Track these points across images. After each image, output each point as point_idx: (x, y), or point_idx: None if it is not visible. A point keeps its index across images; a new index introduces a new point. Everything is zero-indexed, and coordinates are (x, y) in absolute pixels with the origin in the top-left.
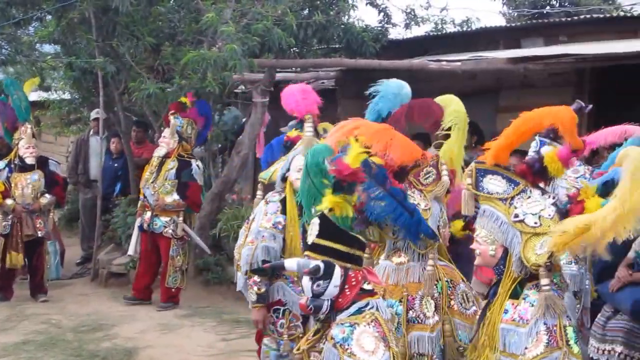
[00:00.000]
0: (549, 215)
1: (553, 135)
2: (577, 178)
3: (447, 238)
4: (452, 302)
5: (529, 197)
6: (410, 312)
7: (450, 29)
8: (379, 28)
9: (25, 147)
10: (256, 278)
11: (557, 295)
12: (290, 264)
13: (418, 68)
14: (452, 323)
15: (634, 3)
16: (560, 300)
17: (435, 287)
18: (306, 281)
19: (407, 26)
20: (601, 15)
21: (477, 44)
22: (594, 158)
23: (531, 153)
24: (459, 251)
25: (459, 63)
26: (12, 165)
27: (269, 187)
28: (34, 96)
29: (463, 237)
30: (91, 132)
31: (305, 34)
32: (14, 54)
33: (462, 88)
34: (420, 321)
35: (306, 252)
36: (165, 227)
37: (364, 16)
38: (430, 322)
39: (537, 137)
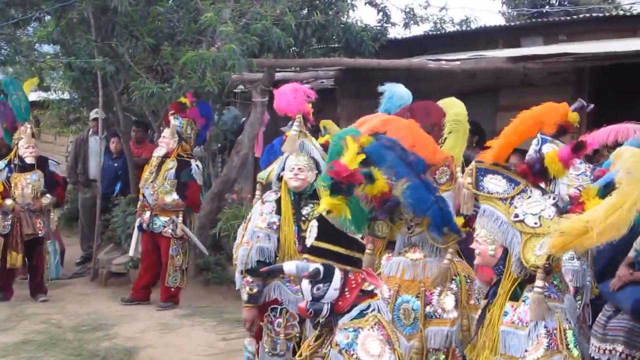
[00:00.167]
0: (549, 215)
1: (556, 133)
2: (578, 175)
3: None
4: (470, 298)
5: (529, 197)
6: (428, 307)
7: (449, 28)
8: (378, 27)
9: (25, 147)
10: (249, 278)
11: (557, 297)
12: (289, 267)
13: (417, 67)
14: (469, 318)
15: (634, 2)
16: (559, 304)
17: (453, 281)
18: (306, 284)
19: (406, 25)
20: (601, 14)
21: (476, 43)
22: (595, 157)
23: (532, 151)
24: (460, 248)
25: (458, 62)
26: (12, 166)
27: (267, 186)
28: (33, 96)
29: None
30: (90, 132)
31: (305, 33)
32: (13, 54)
33: (461, 87)
34: (438, 316)
35: (305, 255)
36: (164, 226)
37: (363, 16)
38: (451, 317)
39: (538, 135)
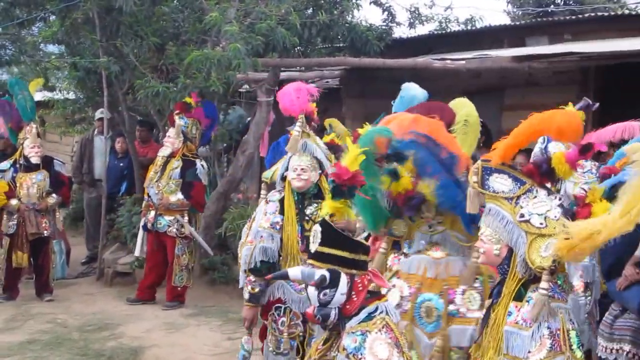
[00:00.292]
0: (555, 216)
1: None
2: (584, 173)
3: None
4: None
5: (535, 197)
6: (451, 305)
7: (454, 27)
8: (383, 27)
9: (30, 147)
10: (252, 277)
11: (561, 297)
12: (295, 273)
13: (422, 67)
14: None
15: (639, 1)
16: (563, 304)
17: (477, 280)
18: (312, 290)
19: (411, 25)
20: (606, 14)
21: (481, 42)
22: (600, 156)
23: (537, 149)
24: None
25: (463, 62)
26: (17, 165)
27: (272, 186)
28: (38, 96)
29: None
30: (95, 132)
31: (310, 33)
32: (18, 54)
33: (466, 87)
34: (461, 315)
35: (310, 261)
36: (169, 226)
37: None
38: (476, 316)
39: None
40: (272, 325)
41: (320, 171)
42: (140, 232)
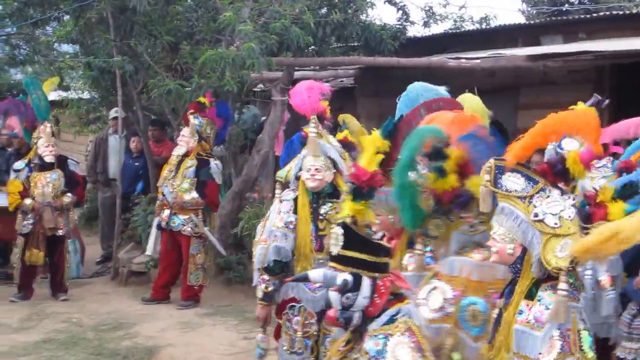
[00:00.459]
0: (569, 216)
1: None
2: (599, 168)
3: None
4: None
5: (548, 196)
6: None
7: (468, 26)
8: (398, 26)
9: (44, 146)
10: (265, 276)
11: (573, 296)
12: (316, 276)
13: (437, 66)
14: None
15: None
16: (575, 303)
17: None
18: (334, 295)
19: (425, 24)
20: (620, 12)
21: (495, 41)
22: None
23: (551, 146)
24: None
25: (478, 61)
26: (32, 165)
27: (286, 185)
28: (53, 95)
29: None
30: (110, 131)
31: (324, 32)
32: (32, 54)
33: (480, 86)
34: None
35: (331, 264)
36: (183, 225)
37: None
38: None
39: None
40: (286, 325)
41: (334, 170)
42: (154, 231)
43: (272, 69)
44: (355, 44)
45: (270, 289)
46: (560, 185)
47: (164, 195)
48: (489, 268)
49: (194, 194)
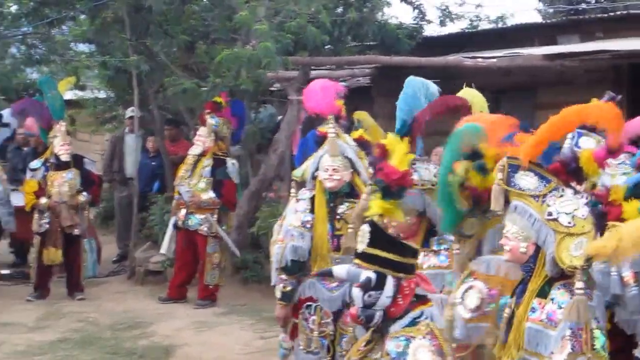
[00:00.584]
0: (583, 215)
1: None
2: (618, 165)
3: None
4: None
5: (562, 195)
6: None
7: (485, 25)
8: (414, 25)
9: (60, 145)
10: (283, 276)
11: (588, 295)
12: (340, 272)
13: (453, 65)
14: None
15: None
16: (589, 301)
17: None
18: (357, 291)
19: (441, 23)
20: (638, 11)
21: (512, 41)
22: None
23: (567, 145)
24: None
25: (494, 60)
26: (48, 164)
27: (302, 184)
28: (69, 95)
29: None
30: (126, 130)
31: (340, 31)
32: (48, 54)
33: (497, 85)
34: None
35: (356, 261)
36: (200, 224)
37: (398, 13)
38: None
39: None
40: (303, 324)
41: (351, 170)
42: (170, 231)
43: (288, 68)
44: (372, 43)
45: (288, 288)
46: (573, 184)
47: (180, 195)
48: None
49: (211, 194)
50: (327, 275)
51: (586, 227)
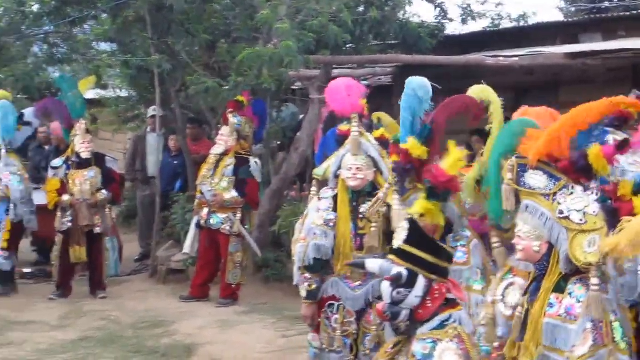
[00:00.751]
0: (594, 211)
1: (618, 123)
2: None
3: None
4: None
5: (572, 193)
6: None
7: (506, 24)
8: (435, 24)
9: (80, 143)
10: (307, 275)
11: (603, 289)
12: (372, 265)
13: (474, 64)
14: None
15: None
16: (605, 295)
17: None
18: (386, 286)
19: (463, 22)
20: None
21: (534, 39)
22: None
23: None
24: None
25: (516, 59)
26: (69, 163)
27: (324, 183)
28: (91, 94)
29: None
30: (148, 129)
31: (361, 30)
32: (70, 53)
33: (519, 84)
34: None
35: (390, 256)
36: (222, 223)
37: (420, 12)
38: None
39: (599, 127)
40: (325, 323)
41: (374, 169)
42: (192, 230)
43: (310, 67)
44: (393, 41)
45: (313, 286)
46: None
47: (202, 194)
48: None
49: (234, 193)
50: (360, 267)
51: (598, 223)
